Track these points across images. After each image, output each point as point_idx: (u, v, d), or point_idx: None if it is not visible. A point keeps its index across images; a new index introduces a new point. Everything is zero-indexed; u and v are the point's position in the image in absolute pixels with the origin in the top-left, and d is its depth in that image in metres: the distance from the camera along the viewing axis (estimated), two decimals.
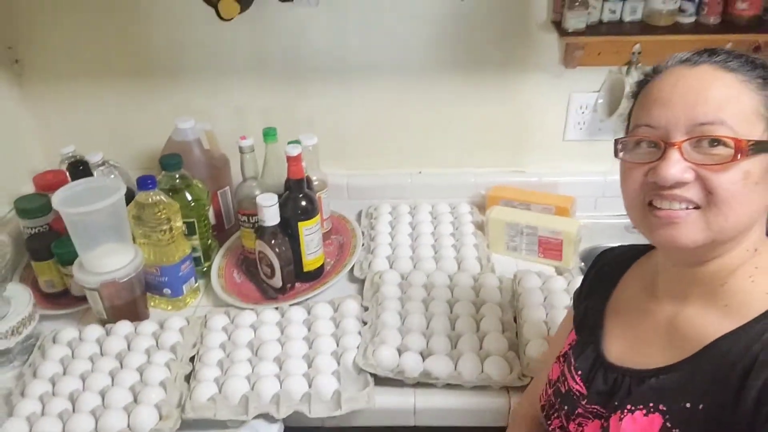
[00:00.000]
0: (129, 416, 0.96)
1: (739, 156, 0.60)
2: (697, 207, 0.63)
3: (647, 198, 0.66)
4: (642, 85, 0.70)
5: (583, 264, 1.33)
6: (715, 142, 0.61)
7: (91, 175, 1.27)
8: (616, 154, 0.70)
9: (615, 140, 0.70)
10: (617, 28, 1.35)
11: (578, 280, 1.20)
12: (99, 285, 1.13)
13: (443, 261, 1.31)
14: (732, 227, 0.63)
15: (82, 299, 1.19)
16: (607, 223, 1.46)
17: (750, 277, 0.66)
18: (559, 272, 1.29)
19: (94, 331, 1.13)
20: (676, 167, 0.62)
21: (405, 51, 1.42)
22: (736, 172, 0.61)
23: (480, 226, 1.43)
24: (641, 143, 0.67)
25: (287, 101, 1.48)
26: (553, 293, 1.18)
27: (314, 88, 1.47)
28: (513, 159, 1.54)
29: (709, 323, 0.66)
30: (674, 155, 0.62)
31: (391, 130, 1.52)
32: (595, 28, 1.34)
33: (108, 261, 1.13)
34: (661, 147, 0.64)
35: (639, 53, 1.36)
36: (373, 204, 1.53)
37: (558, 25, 1.34)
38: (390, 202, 1.52)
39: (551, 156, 1.52)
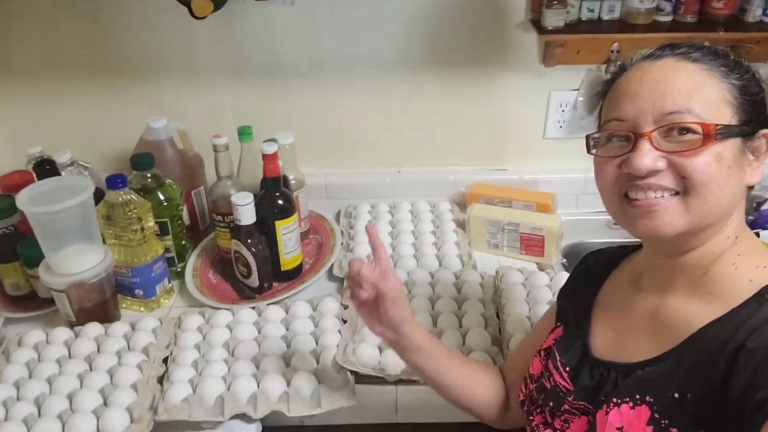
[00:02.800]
0: (98, 420, 0.92)
1: (708, 140, 0.61)
2: (675, 193, 0.63)
3: (623, 190, 0.67)
4: (610, 83, 0.71)
5: (564, 260, 1.32)
6: (684, 129, 0.62)
7: (58, 174, 1.23)
8: (588, 150, 0.71)
9: (586, 136, 0.70)
10: (596, 26, 1.35)
11: (561, 275, 1.20)
12: (67, 286, 1.08)
13: (424, 258, 1.29)
14: (711, 210, 0.63)
15: (50, 302, 1.14)
16: (589, 219, 1.46)
17: (733, 264, 0.66)
18: (541, 268, 1.28)
19: (62, 333, 1.09)
20: (648, 157, 0.63)
21: (382, 49, 1.40)
22: (707, 155, 0.62)
23: (461, 224, 1.41)
24: (612, 137, 0.68)
25: (263, 100, 1.46)
26: (535, 288, 1.17)
27: (291, 87, 1.45)
28: (493, 157, 1.53)
29: (694, 312, 0.65)
30: (645, 145, 0.63)
31: (370, 129, 1.50)
32: (574, 27, 1.34)
33: (76, 262, 1.08)
34: (632, 139, 0.65)
35: (617, 51, 1.37)
36: (351, 203, 1.50)
37: (537, 24, 1.34)
38: (369, 202, 1.50)
39: (532, 154, 1.51)
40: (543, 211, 1.37)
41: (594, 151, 0.70)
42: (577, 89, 1.44)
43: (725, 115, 0.63)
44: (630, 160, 0.64)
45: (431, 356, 0.86)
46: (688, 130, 0.62)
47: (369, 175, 1.53)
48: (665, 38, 1.33)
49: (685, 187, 0.63)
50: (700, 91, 0.63)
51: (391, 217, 1.45)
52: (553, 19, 1.29)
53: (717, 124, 0.61)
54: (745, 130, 0.64)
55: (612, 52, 1.37)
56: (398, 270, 1.25)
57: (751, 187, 0.67)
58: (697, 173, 0.62)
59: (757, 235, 1.21)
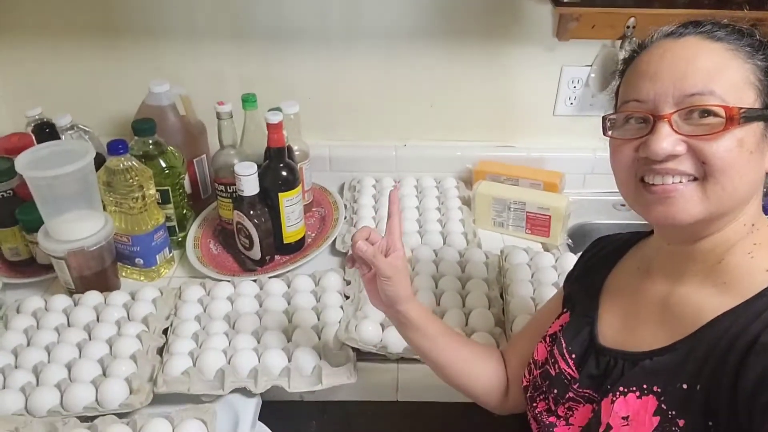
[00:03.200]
0: (97, 390, 0.91)
1: (730, 124, 0.58)
2: (694, 179, 0.61)
3: (639, 174, 0.64)
4: (629, 62, 0.68)
5: (570, 241, 1.31)
6: (705, 112, 0.59)
7: (58, 138, 1.20)
8: (604, 132, 0.68)
9: (603, 117, 0.67)
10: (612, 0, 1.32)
11: (566, 257, 1.18)
12: (66, 254, 1.07)
13: (428, 235, 1.27)
14: (730, 197, 0.61)
15: (49, 268, 1.13)
16: (596, 200, 1.43)
17: (749, 253, 0.63)
18: (547, 249, 1.26)
19: (61, 301, 1.08)
20: (668, 140, 0.60)
21: (391, 19, 1.36)
22: (729, 140, 0.59)
23: (466, 201, 1.39)
24: (630, 119, 0.65)
25: (268, 68, 1.42)
26: (540, 270, 1.15)
27: (296, 55, 1.41)
28: (501, 133, 1.50)
29: (706, 301, 0.63)
30: (664, 128, 0.61)
31: (376, 101, 1.46)
32: (591, 0, 1.30)
33: (76, 229, 1.07)
34: (650, 121, 0.62)
35: (633, 27, 1.33)
36: (356, 177, 1.48)
37: None
38: (374, 175, 1.48)
39: (540, 131, 1.48)
40: (550, 190, 1.35)
41: (610, 132, 0.67)
42: (590, 65, 1.40)
43: (748, 97, 0.60)
44: (648, 143, 0.61)
45: (426, 335, 0.85)
46: (710, 113, 0.59)
47: (374, 149, 1.50)
48: (683, 14, 1.27)
49: (704, 173, 0.60)
50: (723, 72, 0.60)
51: None
52: None
53: (740, 108, 0.59)
54: None
55: (628, 27, 1.33)
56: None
57: None
58: (717, 158, 0.59)
59: None
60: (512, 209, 1.30)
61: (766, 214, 0.67)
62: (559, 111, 1.46)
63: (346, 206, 1.37)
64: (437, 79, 1.43)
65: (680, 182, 0.61)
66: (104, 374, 0.94)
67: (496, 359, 0.89)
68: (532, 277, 1.15)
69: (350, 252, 0.84)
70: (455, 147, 1.50)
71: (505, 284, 1.13)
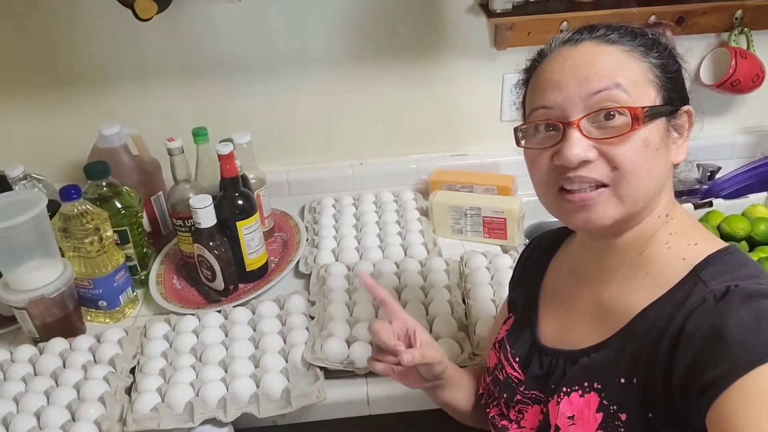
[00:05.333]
0: None
1: (636, 124, 0.60)
2: (605, 185, 0.63)
3: (557, 183, 0.65)
4: (531, 71, 0.69)
5: (527, 241, 1.34)
6: (612, 114, 0.61)
7: (10, 189, 1.20)
8: (518, 143, 0.69)
9: (514, 129, 0.69)
10: (543, 6, 1.36)
11: None
12: (27, 303, 1.07)
13: (389, 249, 1.29)
14: (643, 195, 0.63)
15: (12, 319, 1.13)
16: None
17: (666, 243, 0.66)
18: (506, 250, 1.30)
19: (26, 351, 1.07)
20: (579, 146, 0.61)
21: (333, 42, 1.39)
22: (636, 141, 0.61)
23: (425, 212, 1.42)
24: (540, 127, 0.66)
25: (218, 101, 1.44)
26: (499, 271, 1.18)
27: (245, 85, 1.43)
28: (453, 143, 1.54)
29: (633, 295, 0.65)
30: (574, 134, 0.62)
31: (329, 123, 1.49)
32: (522, 8, 1.35)
33: (34, 278, 1.07)
34: (560, 128, 0.63)
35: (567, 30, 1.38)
36: (315, 198, 1.50)
37: (485, 8, 1.35)
38: (333, 195, 1.50)
39: (490, 137, 1.52)
40: (504, 194, 1.38)
41: (523, 143, 0.68)
42: None
43: (649, 95, 0.62)
44: (561, 152, 0.62)
45: (461, 384, 0.84)
46: (616, 114, 0.61)
47: (331, 169, 1.53)
48: (612, 14, 1.34)
49: (614, 178, 0.62)
50: (624, 71, 0.62)
51: (355, 210, 1.45)
52: (501, 1, 1.30)
53: (643, 107, 0.61)
54: (669, 109, 0.64)
55: (561, 31, 1.37)
56: (364, 262, 1.25)
57: (676, 165, 0.66)
58: (626, 161, 0.61)
59: (710, 204, 1.24)
60: (469, 215, 1.33)
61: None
62: (506, 117, 1.50)
63: (307, 228, 1.39)
64: (387, 97, 1.47)
65: (595, 189, 0.63)
66: (73, 419, 0.94)
67: (475, 376, 0.90)
68: (491, 279, 1.17)
69: (373, 354, 0.78)
70: (410, 160, 1.53)
71: (466, 289, 1.16)
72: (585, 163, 0.62)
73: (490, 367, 0.82)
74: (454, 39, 1.41)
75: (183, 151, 1.21)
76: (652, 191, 0.64)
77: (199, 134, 1.23)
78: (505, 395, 0.76)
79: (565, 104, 0.63)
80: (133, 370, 1.04)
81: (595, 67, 0.62)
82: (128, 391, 1.00)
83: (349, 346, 1.03)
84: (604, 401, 0.63)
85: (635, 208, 0.64)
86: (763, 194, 1.27)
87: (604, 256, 0.70)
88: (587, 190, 0.63)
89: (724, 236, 1.17)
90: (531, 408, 0.73)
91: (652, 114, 0.62)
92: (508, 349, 0.77)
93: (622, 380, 0.62)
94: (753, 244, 1.18)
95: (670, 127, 0.64)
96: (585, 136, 0.62)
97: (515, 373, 0.75)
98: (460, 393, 0.85)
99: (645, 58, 0.64)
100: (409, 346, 0.75)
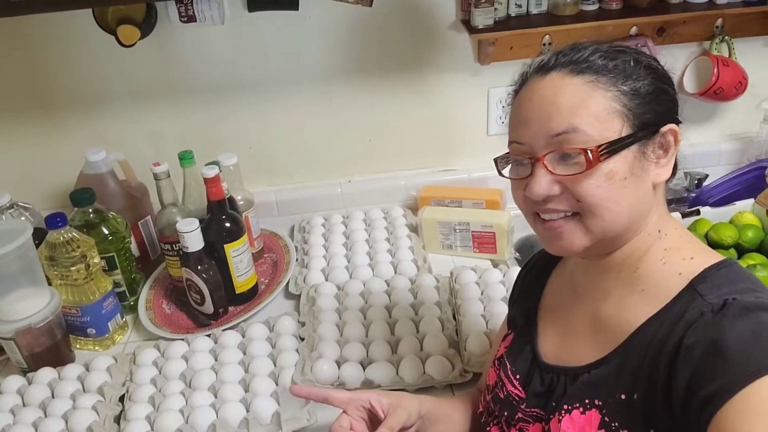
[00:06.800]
0: None
1: (593, 163, 0.61)
2: (574, 214, 0.64)
3: (533, 209, 0.67)
4: (516, 93, 0.70)
5: (518, 254, 1.34)
6: (569, 154, 0.62)
7: None
8: (499, 173, 0.71)
9: (494, 160, 0.71)
10: (525, 21, 1.38)
11: (513, 270, 1.21)
12: (14, 333, 1.06)
13: (379, 267, 1.29)
14: (612, 224, 0.64)
15: (0, 350, 1.12)
16: None
17: (661, 259, 0.66)
18: (496, 265, 1.29)
19: (15, 381, 1.06)
20: (542, 183, 0.64)
21: (319, 61, 1.40)
22: (597, 177, 0.62)
23: (414, 229, 1.42)
24: (514, 160, 0.68)
25: (204, 123, 1.44)
26: (489, 286, 1.18)
27: (232, 107, 1.44)
28: (441, 158, 1.54)
29: (630, 311, 0.65)
30: (540, 171, 0.64)
31: (316, 141, 1.50)
32: (504, 23, 1.36)
33: (21, 307, 1.06)
34: (529, 163, 0.65)
35: (550, 44, 1.39)
36: (305, 218, 1.50)
37: (467, 24, 1.36)
38: (322, 214, 1.50)
39: (478, 152, 1.53)
40: (493, 208, 1.39)
41: (504, 172, 0.71)
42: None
43: (614, 126, 0.61)
44: (529, 187, 0.65)
45: (447, 418, 0.84)
46: (574, 154, 0.62)
47: (320, 188, 1.53)
48: (593, 26, 1.36)
49: (581, 209, 0.63)
50: (585, 106, 0.62)
51: (345, 228, 1.44)
52: (482, 17, 1.31)
53: (600, 145, 0.61)
54: (641, 135, 0.62)
55: (544, 45, 1.39)
56: (354, 281, 1.25)
57: (668, 180, 0.66)
58: (587, 195, 0.62)
59: (698, 212, 1.24)
60: (458, 230, 1.33)
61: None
62: (493, 131, 1.51)
63: (297, 248, 1.39)
64: (374, 115, 1.47)
65: (563, 218, 0.65)
66: None
67: (471, 402, 0.89)
68: (482, 294, 1.17)
69: None
70: (399, 177, 1.53)
71: (456, 305, 1.16)
72: (550, 197, 0.64)
73: (490, 385, 0.81)
74: (439, 56, 1.42)
75: (169, 175, 1.21)
76: (625, 220, 0.64)
77: (185, 158, 1.23)
78: (506, 413, 0.76)
79: (531, 141, 0.65)
80: (122, 398, 1.03)
81: (557, 105, 0.63)
82: (117, 419, 0.99)
83: (339, 367, 1.02)
84: (606, 418, 0.63)
85: (606, 236, 0.65)
86: (750, 201, 1.27)
87: (598, 274, 0.70)
88: (557, 219, 0.65)
89: (712, 244, 1.17)
90: (532, 426, 0.72)
91: (612, 149, 0.61)
92: (509, 367, 0.77)
93: (623, 396, 0.62)
94: (741, 251, 1.19)
95: (646, 150, 0.64)
96: (550, 172, 0.64)
97: (516, 391, 0.75)
98: (447, 426, 0.84)
99: (612, 86, 0.62)
100: (374, 418, 0.76)
